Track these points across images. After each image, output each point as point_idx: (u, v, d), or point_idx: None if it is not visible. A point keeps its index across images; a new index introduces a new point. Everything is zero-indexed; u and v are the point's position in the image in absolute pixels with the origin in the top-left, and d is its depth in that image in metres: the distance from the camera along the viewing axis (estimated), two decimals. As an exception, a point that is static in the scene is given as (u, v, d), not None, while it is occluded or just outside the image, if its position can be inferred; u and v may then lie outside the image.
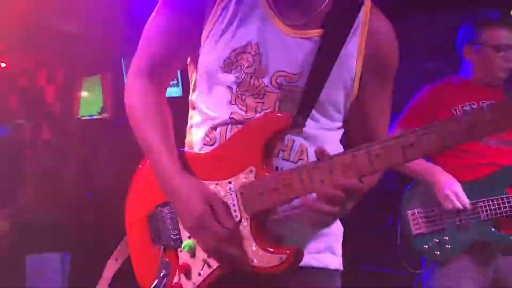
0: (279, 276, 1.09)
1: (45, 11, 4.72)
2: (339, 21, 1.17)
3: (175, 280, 1.17)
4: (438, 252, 2.16)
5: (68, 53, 5.82)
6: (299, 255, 1.07)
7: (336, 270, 1.29)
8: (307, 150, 1.18)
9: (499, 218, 2.11)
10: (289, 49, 1.17)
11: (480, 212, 2.12)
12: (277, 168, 1.15)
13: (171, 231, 1.19)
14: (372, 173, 1.01)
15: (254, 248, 1.08)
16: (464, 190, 2.13)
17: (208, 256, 1.13)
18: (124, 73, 5.51)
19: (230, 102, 1.20)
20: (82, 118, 6.22)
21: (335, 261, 1.28)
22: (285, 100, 1.16)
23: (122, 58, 5.55)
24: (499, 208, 2.10)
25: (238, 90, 1.19)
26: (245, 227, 1.09)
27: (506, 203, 2.10)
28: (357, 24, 1.20)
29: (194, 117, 1.29)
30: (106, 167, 5.87)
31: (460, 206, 2.10)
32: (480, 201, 2.13)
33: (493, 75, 2.27)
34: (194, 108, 1.29)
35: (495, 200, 2.11)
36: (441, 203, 2.15)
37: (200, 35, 1.21)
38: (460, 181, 2.15)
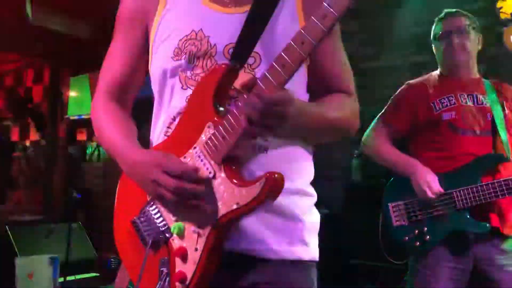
0: (258, 266, 1.15)
1: (32, 11, 4.68)
2: None
3: (176, 270, 1.16)
4: (418, 243, 2.19)
5: (55, 52, 5.79)
6: (278, 176, 1.07)
7: (311, 261, 1.30)
8: None
9: (475, 207, 2.13)
10: (231, 24, 1.23)
11: (456, 201, 2.14)
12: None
13: (158, 225, 1.20)
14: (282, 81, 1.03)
15: (236, 191, 1.09)
16: (441, 181, 2.16)
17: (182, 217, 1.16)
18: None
19: (182, 88, 1.25)
20: (71, 118, 6.19)
21: (308, 252, 1.28)
22: None
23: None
24: (474, 197, 2.12)
25: (192, 74, 1.24)
26: (222, 177, 1.11)
27: (480, 191, 2.12)
28: None
29: (154, 116, 1.36)
30: (95, 166, 5.85)
31: (433, 196, 2.13)
32: (455, 191, 2.15)
33: (446, 65, 2.36)
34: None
35: (469, 189, 2.13)
36: (417, 194, 2.18)
37: (147, 43, 1.32)
38: (437, 173, 2.18)
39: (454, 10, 2.43)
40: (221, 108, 1.16)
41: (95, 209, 5.18)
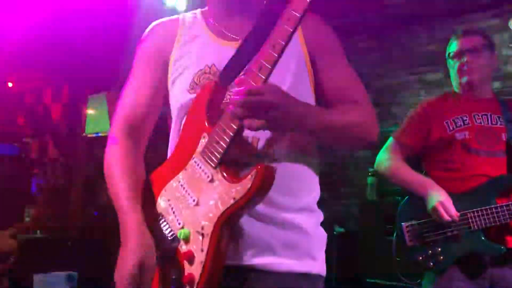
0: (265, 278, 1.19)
1: (52, 30, 4.80)
2: (264, 22, 1.30)
3: (185, 274, 1.21)
4: (432, 263, 2.17)
5: (73, 71, 5.90)
6: (268, 168, 1.13)
7: (319, 275, 1.34)
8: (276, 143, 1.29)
9: (490, 228, 2.12)
10: None
11: (471, 223, 2.13)
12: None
13: (167, 236, 1.27)
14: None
15: (232, 189, 1.15)
16: (455, 201, 2.14)
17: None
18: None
19: None
20: (89, 136, 6.27)
21: (316, 266, 1.33)
22: None
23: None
24: (489, 219, 2.10)
25: None
26: (219, 179, 1.19)
27: (495, 213, 2.10)
28: None
29: (171, 139, 1.44)
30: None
31: (448, 218, 2.12)
32: (469, 212, 2.14)
33: (460, 84, 2.34)
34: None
35: (484, 211, 2.11)
36: (431, 216, 2.17)
37: (164, 79, 1.41)
38: (451, 193, 2.17)
39: (469, 28, 2.43)
40: (214, 119, 1.23)
41: (112, 225, 5.22)
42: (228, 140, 1.16)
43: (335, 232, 4.27)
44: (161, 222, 1.29)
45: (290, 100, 1.17)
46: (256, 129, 1.14)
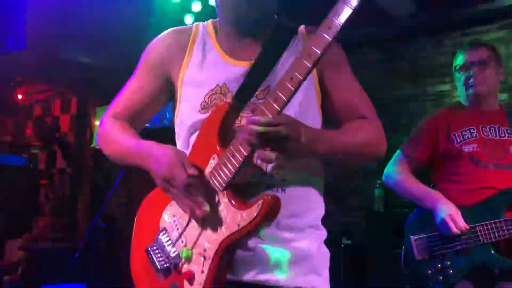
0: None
1: (61, 44, 4.85)
2: (276, 42, 1.36)
3: None
4: (441, 277, 2.15)
5: (82, 83, 5.94)
6: (275, 199, 1.15)
7: None
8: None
9: (500, 242, 2.10)
10: None
11: (480, 236, 2.11)
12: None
13: (169, 252, 1.29)
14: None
15: (237, 215, 1.17)
16: (463, 214, 2.13)
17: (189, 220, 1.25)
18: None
19: None
20: (96, 147, 6.30)
21: (321, 282, 1.35)
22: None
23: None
24: (498, 232, 2.09)
25: None
26: (225, 203, 1.20)
27: (504, 226, 2.08)
28: (297, 43, 1.39)
29: None
30: (119, 195, 5.92)
31: (457, 231, 2.10)
32: (479, 225, 2.12)
33: (467, 97, 2.35)
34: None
35: (493, 224, 2.10)
36: (440, 229, 2.16)
37: (163, 88, 1.43)
38: (459, 206, 2.16)
39: (476, 41, 2.44)
40: (225, 141, 1.24)
41: (118, 236, 5.23)
42: (237, 165, 1.17)
43: (342, 245, 4.25)
44: (164, 236, 1.31)
45: (303, 130, 1.18)
46: (272, 162, 1.15)
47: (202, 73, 1.39)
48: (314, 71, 1.35)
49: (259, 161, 1.24)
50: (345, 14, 1.06)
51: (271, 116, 1.12)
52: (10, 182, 6.19)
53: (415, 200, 2.31)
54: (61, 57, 5.07)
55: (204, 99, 1.35)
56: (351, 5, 1.05)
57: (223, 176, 1.20)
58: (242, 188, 1.23)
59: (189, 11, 4.27)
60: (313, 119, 1.35)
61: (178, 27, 1.49)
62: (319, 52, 1.09)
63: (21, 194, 6.20)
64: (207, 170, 1.25)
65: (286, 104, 1.12)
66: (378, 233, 4.25)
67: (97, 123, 6.38)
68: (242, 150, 1.16)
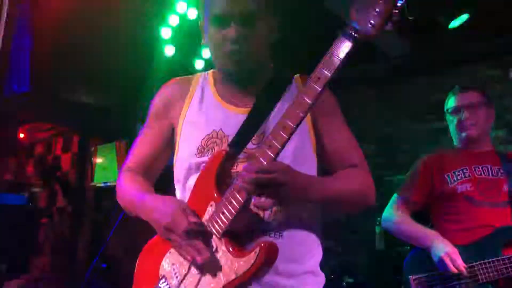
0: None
1: (63, 83, 4.93)
2: (271, 90, 1.41)
3: None
4: (442, 317, 2.15)
5: (84, 122, 6.01)
6: (272, 246, 1.18)
7: None
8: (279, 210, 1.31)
9: (499, 280, 2.10)
10: None
11: (478, 275, 2.11)
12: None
13: None
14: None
15: (234, 263, 1.19)
16: (461, 253, 2.14)
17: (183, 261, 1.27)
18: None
19: None
20: (97, 185, 6.30)
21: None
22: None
23: (138, 125, 5.72)
24: (497, 270, 2.09)
25: None
26: (223, 250, 1.22)
27: (502, 264, 2.09)
28: (293, 91, 1.42)
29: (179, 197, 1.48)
30: (120, 234, 5.90)
31: (455, 270, 2.11)
32: (477, 264, 2.12)
33: (459, 139, 2.41)
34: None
35: (492, 263, 2.10)
36: (439, 268, 2.16)
37: (171, 134, 1.49)
38: (456, 245, 2.17)
39: (467, 85, 2.50)
40: (222, 188, 1.28)
41: (118, 277, 5.18)
42: (234, 212, 1.21)
43: (344, 283, 4.22)
44: (164, 284, 1.33)
45: (297, 177, 1.22)
46: (268, 209, 1.19)
47: (200, 116, 1.44)
48: (309, 118, 1.39)
49: (255, 208, 1.27)
50: (333, 65, 1.12)
51: (266, 164, 1.16)
52: (9, 221, 6.17)
53: (413, 241, 2.33)
54: (63, 98, 5.16)
55: (201, 143, 1.40)
56: (338, 57, 1.11)
57: (221, 223, 1.23)
58: (240, 235, 1.25)
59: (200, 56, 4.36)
60: (308, 165, 1.39)
61: (182, 77, 1.57)
62: (310, 102, 1.15)
63: (20, 234, 6.18)
64: (205, 217, 1.27)
65: (280, 151, 1.17)
66: (380, 271, 4.22)
67: (97, 161, 6.41)
68: (238, 197, 1.20)
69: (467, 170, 2.30)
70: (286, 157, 1.29)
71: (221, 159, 1.30)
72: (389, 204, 2.46)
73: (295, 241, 1.33)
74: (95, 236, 5.99)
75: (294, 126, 1.16)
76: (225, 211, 1.22)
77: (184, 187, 1.43)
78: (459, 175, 2.30)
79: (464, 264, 2.12)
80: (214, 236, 1.24)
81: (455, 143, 2.46)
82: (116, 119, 5.89)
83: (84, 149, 6.41)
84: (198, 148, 1.40)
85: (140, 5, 3.88)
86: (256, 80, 1.43)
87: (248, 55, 1.36)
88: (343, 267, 4.40)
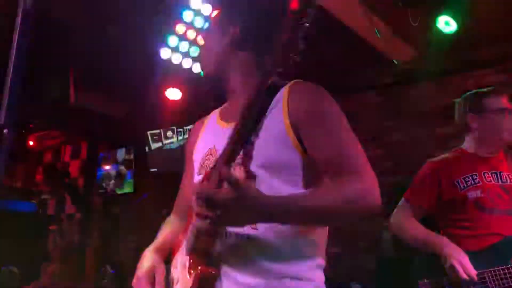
0: None
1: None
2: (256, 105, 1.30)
3: None
4: (450, 323, 2.14)
5: (93, 128, 6.05)
6: (207, 273, 1.25)
7: None
8: None
9: (508, 288, 2.09)
10: None
11: (488, 282, 2.10)
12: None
13: None
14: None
15: (187, 281, 1.27)
16: (471, 260, 2.12)
17: None
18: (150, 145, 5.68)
19: None
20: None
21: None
22: None
23: (148, 132, 5.73)
24: (507, 279, 2.08)
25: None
26: (187, 268, 1.30)
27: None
28: (278, 99, 1.33)
29: None
30: (128, 239, 5.92)
31: (467, 277, 2.09)
32: (487, 272, 2.11)
33: (501, 139, 2.33)
34: None
35: (501, 270, 2.09)
36: (449, 274, 2.15)
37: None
38: (467, 251, 2.15)
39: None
40: None
41: (128, 283, 5.20)
42: (195, 233, 1.29)
43: (352, 289, 4.22)
44: None
45: (251, 205, 1.10)
46: (203, 229, 1.24)
47: (202, 139, 1.53)
48: (289, 124, 1.29)
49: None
50: None
51: (211, 193, 1.12)
52: (19, 228, 6.21)
53: (422, 246, 2.30)
54: (72, 105, 5.20)
55: (200, 162, 1.46)
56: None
57: (189, 241, 1.32)
58: (205, 253, 1.29)
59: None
60: (289, 177, 1.28)
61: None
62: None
63: (30, 240, 6.21)
64: (189, 235, 1.35)
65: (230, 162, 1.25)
66: (387, 277, 4.20)
67: (106, 167, 6.46)
68: (193, 219, 1.28)
69: (476, 176, 2.28)
70: (258, 167, 1.27)
71: (206, 178, 1.35)
72: (396, 208, 2.43)
73: (272, 233, 1.24)
74: (104, 242, 6.02)
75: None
76: (192, 232, 1.31)
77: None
78: (468, 181, 2.27)
79: (475, 271, 2.10)
80: (185, 253, 1.33)
81: (465, 146, 2.41)
82: (124, 127, 5.92)
83: (93, 156, 6.46)
84: (198, 168, 1.46)
85: (148, 15, 3.92)
86: (244, 92, 1.37)
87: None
88: (350, 273, 4.39)
